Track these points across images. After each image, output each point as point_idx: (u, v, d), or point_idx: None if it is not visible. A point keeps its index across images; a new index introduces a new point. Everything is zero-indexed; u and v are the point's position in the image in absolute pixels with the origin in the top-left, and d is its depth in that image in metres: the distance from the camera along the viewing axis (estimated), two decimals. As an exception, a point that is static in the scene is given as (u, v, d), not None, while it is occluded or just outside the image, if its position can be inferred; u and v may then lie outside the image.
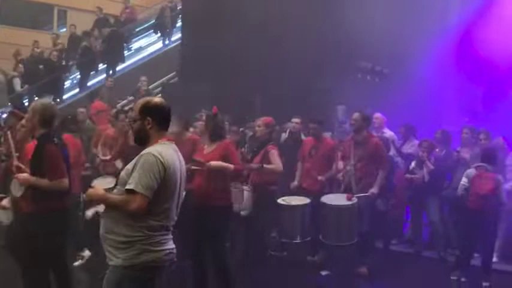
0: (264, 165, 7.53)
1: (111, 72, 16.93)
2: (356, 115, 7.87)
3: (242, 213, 7.40)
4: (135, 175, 3.74)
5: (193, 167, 6.21)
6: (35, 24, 21.30)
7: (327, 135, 9.45)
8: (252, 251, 7.86)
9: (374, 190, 7.64)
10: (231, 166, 6.23)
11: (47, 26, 21.81)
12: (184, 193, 4.12)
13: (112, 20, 17.98)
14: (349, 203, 7.37)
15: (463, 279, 7.49)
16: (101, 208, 3.97)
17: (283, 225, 7.66)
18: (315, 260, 8.03)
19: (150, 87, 15.42)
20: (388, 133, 9.64)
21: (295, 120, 9.31)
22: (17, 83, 15.78)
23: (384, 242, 8.92)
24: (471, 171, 7.48)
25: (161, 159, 3.79)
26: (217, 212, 6.14)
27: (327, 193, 7.91)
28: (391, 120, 9.98)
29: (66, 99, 16.58)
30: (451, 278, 7.60)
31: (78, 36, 17.66)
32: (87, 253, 7.77)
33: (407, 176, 8.85)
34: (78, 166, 7.71)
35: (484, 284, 7.40)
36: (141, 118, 3.95)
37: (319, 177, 8.01)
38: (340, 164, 8.06)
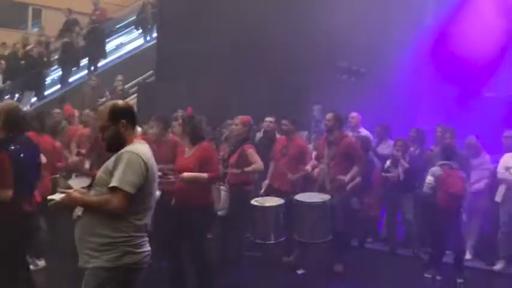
0: (245, 169, 7.53)
1: (92, 68, 16.91)
2: (329, 115, 7.89)
3: (219, 213, 7.39)
4: (119, 173, 3.70)
5: (165, 178, 6.17)
6: (7, 23, 21.04)
7: (303, 134, 9.47)
8: (228, 251, 7.85)
9: (344, 177, 7.61)
10: (205, 175, 6.16)
11: (22, 26, 21.57)
12: (159, 193, 4.09)
13: (81, 21, 17.76)
14: (322, 200, 7.36)
15: (438, 278, 7.56)
16: (79, 210, 3.90)
17: (256, 226, 7.65)
18: (290, 260, 8.02)
19: (128, 86, 15.37)
20: (364, 132, 9.70)
21: (269, 119, 9.30)
22: None
23: (359, 241, 8.97)
24: (436, 169, 7.52)
25: (143, 158, 3.78)
26: (198, 212, 6.12)
27: (299, 192, 7.92)
28: (367, 119, 10.04)
29: (48, 95, 16.54)
30: (425, 276, 7.67)
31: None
32: (42, 263, 7.54)
33: (383, 174, 8.93)
34: (53, 169, 7.60)
35: (459, 280, 7.48)
36: (113, 123, 3.86)
37: (289, 176, 8.00)
38: (313, 162, 8.04)
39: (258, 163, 7.63)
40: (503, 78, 10.30)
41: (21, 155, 5.16)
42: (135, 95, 14.67)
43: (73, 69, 17.06)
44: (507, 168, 7.85)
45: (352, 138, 8.54)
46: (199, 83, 12.14)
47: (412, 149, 8.90)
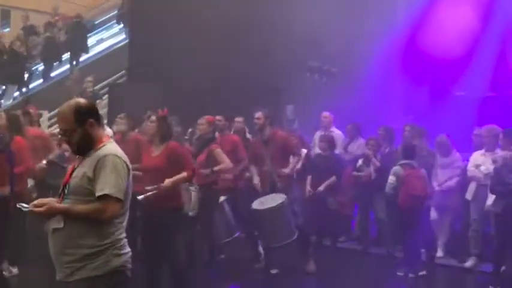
0: (214, 169, 7.48)
1: (74, 63, 16.95)
2: (259, 114, 7.72)
3: (190, 213, 7.34)
4: (107, 179, 3.50)
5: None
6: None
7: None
8: (199, 252, 7.82)
9: (287, 170, 7.60)
10: (184, 175, 6.11)
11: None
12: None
13: (41, 29, 17.56)
14: (279, 202, 7.31)
15: (410, 275, 7.62)
16: (55, 223, 3.58)
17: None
18: (261, 266, 7.96)
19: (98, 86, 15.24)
20: (336, 132, 9.74)
21: (238, 119, 9.27)
22: None
23: (331, 240, 8.99)
24: (397, 168, 7.54)
25: (124, 160, 3.63)
26: (170, 214, 6.08)
27: (240, 189, 8.02)
28: (339, 119, 10.08)
29: (30, 89, 16.50)
30: (398, 274, 7.72)
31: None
32: (15, 271, 7.38)
33: (355, 173, 8.96)
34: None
35: (420, 273, 7.61)
36: (80, 125, 3.60)
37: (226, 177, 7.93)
38: (253, 169, 7.94)
39: (225, 162, 7.57)
40: (473, 77, 10.39)
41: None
42: (106, 96, 14.52)
43: (55, 63, 17.10)
44: (477, 166, 7.91)
45: (282, 132, 8.33)
46: (172, 83, 12.06)
47: (383, 147, 8.94)
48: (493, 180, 7.26)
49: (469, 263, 8.06)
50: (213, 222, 7.61)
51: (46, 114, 13.76)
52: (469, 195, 8.02)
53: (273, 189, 7.61)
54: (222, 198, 7.67)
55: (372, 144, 8.85)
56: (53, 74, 16.98)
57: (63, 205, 3.57)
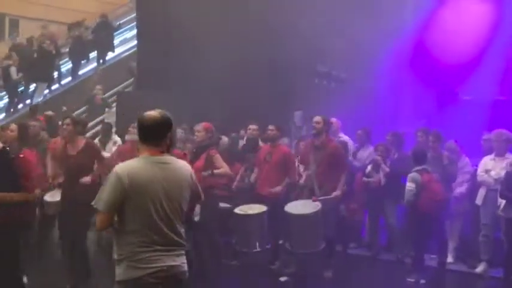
0: (215, 171, 7.49)
1: (101, 61, 17.50)
2: (318, 118, 7.84)
3: (195, 218, 7.33)
4: (99, 193, 3.77)
5: None
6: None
7: (285, 140, 9.47)
8: (206, 258, 7.81)
9: (337, 192, 7.68)
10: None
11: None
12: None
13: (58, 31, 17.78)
14: (313, 210, 7.35)
15: (421, 281, 7.59)
16: None
17: (240, 234, 7.62)
18: (276, 267, 8.00)
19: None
20: (344, 138, 9.71)
21: (252, 127, 9.30)
22: (13, 71, 16.18)
23: (343, 246, 8.97)
24: (415, 175, 7.53)
25: (119, 173, 3.69)
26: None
27: (284, 199, 7.91)
28: (348, 125, 10.06)
29: (59, 87, 17.05)
30: (408, 280, 7.70)
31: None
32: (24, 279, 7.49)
33: (364, 179, 8.94)
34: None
35: (422, 281, 7.61)
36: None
37: (273, 190, 7.94)
38: (301, 168, 8.02)
39: (225, 167, 7.60)
40: (481, 82, 10.35)
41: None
42: (115, 104, 14.57)
43: (82, 62, 17.60)
44: (487, 171, 7.90)
45: (337, 143, 8.52)
46: (180, 91, 12.09)
47: (391, 153, 8.92)
48: (503, 186, 7.24)
49: (479, 269, 8.04)
50: (244, 231, 7.60)
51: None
52: (479, 200, 8.00)
53: (311, 195, 7.66)
54: (263, 208, 7.67)
55: (381, 150, 8.83)
56: (80, 72, 17.55)
57: None
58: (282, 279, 7.77)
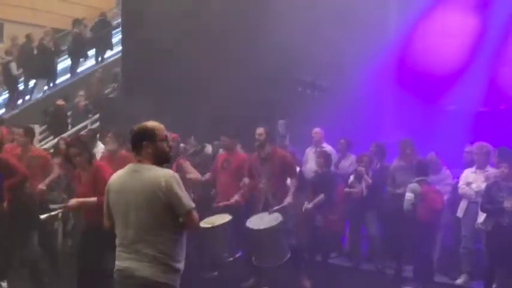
0: (187, 176, 7.46)
1: (99, 59, 17.61)
2: (260, 130, 7.74)
3: None
4: None
5: None
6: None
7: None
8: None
9: (288, 199, 7.59)
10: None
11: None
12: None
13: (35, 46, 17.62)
14: (273, 224, 7.28)
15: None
16: None
17: (210, 246, 7.57)
18: (250, 284, 7.88)
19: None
20: (328, 148, 9.69)
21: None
22: (13, 67, 16.23)
23: (323, 256, 8.93)
24: (415, 185, 7.65)
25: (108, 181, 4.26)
26: None
27: (243, 207, 7.89)
28: (331, 134, 10.04)
29: (59, 84, 17.13)
30: None
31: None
32: (4, 285, 7.39)
33: (346, 190, 8.91)
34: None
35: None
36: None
37: (234, 199, 7.86)
38: (246, 180, 7.90)
39: (196, 173, 7.68)
40: (465, 92, 10.37)
41: None
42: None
43: (81, 59, 17.69)
44: (468, 184, 7.89)
45: (282, 150, 8.42)
46: (163, 98, 12.02)
47: (373, 163, 8.91)
48: (484, 199, 7.24)
49: (460, 280, 8.02)
50: (215, 240, 7.56)
51: (38, 129, 13.74)
52: (460, 213, 7.99)
53: (266, 207, 7.59)
54: (228, 217, 7.61)
55: (365, 161, 8.81)
56: (79, 70, 17.61)
57: None
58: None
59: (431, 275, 7.89)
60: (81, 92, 14.28)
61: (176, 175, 4.11)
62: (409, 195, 7.65)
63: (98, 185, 5.92)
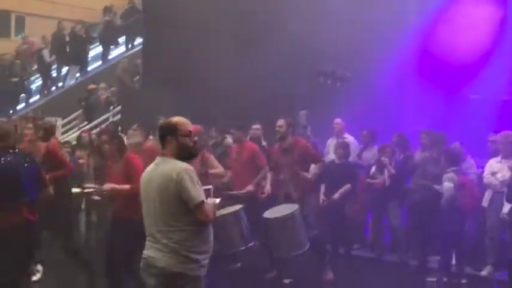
0: (210, 171, 7.45)
1: (130, 45, 17.84)
2: (281, 121, 7.74)
3: None
4: None
5: None
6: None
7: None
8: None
9: (308, 175, 7.66)
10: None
11: (4, 33, 21.41)
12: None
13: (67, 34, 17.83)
14: (290, 211, 7.24)
15: (444, 279, 7.49)
16: None
17: (224, 237, 7.58)
18: (273, 275, 7.87)
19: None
20: (349, 138, 9.64)
21: (255, 126, 9.24)
22: (46, 53, 16.78)
23: (346, 248, 8.90)
24: (453, 175, 7.61)
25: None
26: None
27: (258, 197, 7.90)
28: (352, 124, 9.98)
29: (90, 70, 17.47)
30: (429, 280, 7.58)
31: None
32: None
33: (369, 181, 8.87)
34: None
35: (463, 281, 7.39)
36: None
37: (247, 188, 7.93)
38: (269, 175, 7.95)
39: (220, 168, 7.67)
40: (488, 81, 10.23)
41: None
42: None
43: (112, 46, 17.97)
44: (493, 173, 7.80)
45: (303, 140, 8.40)
46: (186, 89, 12.04)
47: (397, 153, 8.84)
48: (509, 189, 7.15)
49: (484, 272, 7.95)
50: (227, 230, 7.51)
51: (60, 122, 13.88)
52: (485, 203, 7.91)
53: (288, 199, 7.56)
54: (238, 206, 7.59)
55: (388, 151, 8.76)
56: (110, 57, 17.87)
57: None
58: (286, 281, 7.67)
59: (461, 265, 7.83)
60: (102, 85, 14.37)
61: (190, 169, 4.16)
62: (448, 185, 7.56)
63: (129, 174, 6.02)
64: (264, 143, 9.27)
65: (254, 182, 8.02)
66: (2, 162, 5.23)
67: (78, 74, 17.22)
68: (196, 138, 4.37)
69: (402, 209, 8.73)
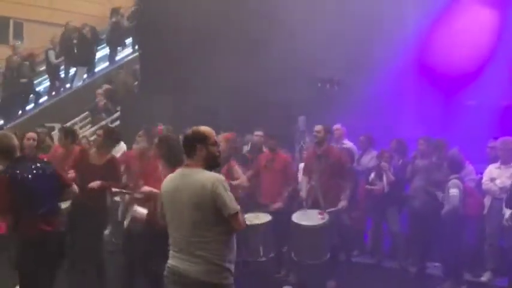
0: (232, 182, 7.43)
1: (136, 47, 17.70)
2: (319, 127, 7.79)
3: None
4: None
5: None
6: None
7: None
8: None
9: (343, 203, 7.64)
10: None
11: (2, 39, 21.38)
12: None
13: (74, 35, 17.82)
14: (322, 222, 7.31)
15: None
16: None
17: (246, 244, 7.59)
18: (280, 276, 7.94)
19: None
20: (348, 144, 9.64)
21: (258, 133, 9.18)
22: (52, 54, 16.69)
23: (346, 254, 8.89)
24: (457, 182, 7.53)
25: (163, 183, 4.41)
26: None
27: (288, 209, 7.85)
28: (351, 130, 9.98)
29: (97, 72, 17.53)
30: None
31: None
32: None
33: (368, 187, 8.87)
34: None
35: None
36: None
37: (276, 206, 7.94)
38: (301, 178, 7.97)
39: (242, 178, 7.60)
40: (486, 86, 10.25)
41: (26, 177, 5.14)
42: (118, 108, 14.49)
43: (119, 48, 18.04)
44: (492, 180, 7.81)
45: (340, 150, 8.48)
46: (183, 95, 12.04)
47: (395, 159, 8.84)
48: (509, 195, 7.15)
49: (484, 278, 7.95)
50: (252, 241, 7.56)
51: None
52: (484, 209, 7.91)
53: (316, 205, 7.60)
54: (268, 217, 7.64)
55: (386, 157, 8.75)
56: (117, 58, 17.88)
57: None
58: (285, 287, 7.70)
59: (462, 272, 7.80)
60: (100, 91, 14.33)
61: (222, 178, 4.23)
62: (454, 192, 7.46)
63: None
64: (264, 150, 9.25)
65: (283, 198, 8.00)
66: (9, 174, 5.08)
67: (85, 76, 17.36)
68: (220, 149, 4.46)
69: (401, 215, 8.72)
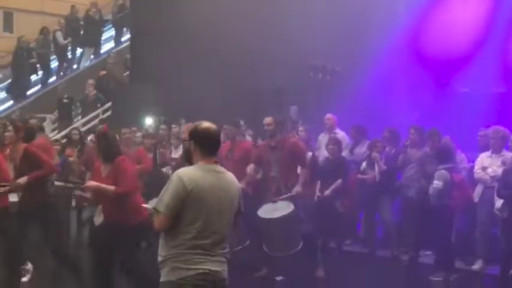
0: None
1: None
2: (268, 119, 7.63)
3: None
4: (160, 194, 3.96)
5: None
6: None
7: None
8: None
9: (297, 188, 7.52)
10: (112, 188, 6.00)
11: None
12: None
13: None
14: (287, 212, 7.24)
15: (455, 276, 7.55)
16: None
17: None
18: (263, 273, 7.86)
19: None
20: (340, 134, 9.61)
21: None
22: (59, 35, 16.95)
23: (337, 243, 8.90)
24: (444, 173, 7.45)
25: (183, 179, 3.91)
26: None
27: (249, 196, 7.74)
28: (343, 118, 9.96)
29: (103, 53, 17.69)
30: (433, 279, 7.60)
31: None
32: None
33: (359, 176, 8.86)
34: None
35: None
36: (189, 140, 4.11)
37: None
38: (250, 166, 7.87)
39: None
40: (478, 73, 10.24)
41: None
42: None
43: (124, 29, 18.12)
44: (483, 168, 7.80)
45: (294, 138, 8.36)
46: (173, 85, 12.00)
47: (387, 149, 8.82)
48: (500, 184, 7.15)
49: (476, 266, 7.96)
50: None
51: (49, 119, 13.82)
52: (475, 198, 7.92)
53: (278, 196, 7.52)
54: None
55: (378, 146, 8.74)
56: (122, 39, 18.02)
57: None
58: (278, 278, 7.67)
59: (453, 261, 7.80)
60: (91, 81, 14.26)
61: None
62: (437, 183, 7.42)
63: (118, 177, 5.95)
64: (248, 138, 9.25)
65: (245, 180, 7.80)
66: None
67: (92, 56, 17.50)
68: None
69: (394, 204, 8.72)
